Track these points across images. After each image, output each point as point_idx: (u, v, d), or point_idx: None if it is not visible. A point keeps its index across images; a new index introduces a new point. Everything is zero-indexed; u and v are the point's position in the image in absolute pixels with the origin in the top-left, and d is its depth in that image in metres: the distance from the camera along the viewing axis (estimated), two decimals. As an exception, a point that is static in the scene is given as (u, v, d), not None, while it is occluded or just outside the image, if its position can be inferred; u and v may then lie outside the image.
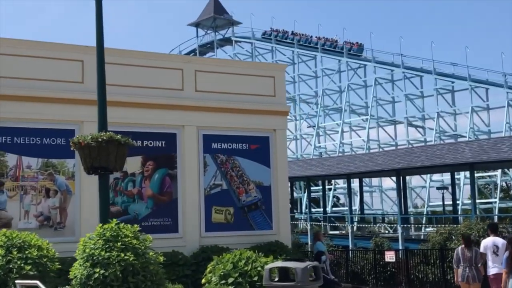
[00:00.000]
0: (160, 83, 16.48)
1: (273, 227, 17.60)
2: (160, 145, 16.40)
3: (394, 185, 61.58)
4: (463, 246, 13.20)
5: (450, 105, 57.70)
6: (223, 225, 17.00)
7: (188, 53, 79.92)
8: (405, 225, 29.96)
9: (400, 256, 21.48)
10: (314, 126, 67.05)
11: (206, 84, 17.10)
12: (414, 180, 62.05)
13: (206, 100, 16.94)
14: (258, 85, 17.81)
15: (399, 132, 64.45)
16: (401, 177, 30.43)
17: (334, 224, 41.07)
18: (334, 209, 61.66)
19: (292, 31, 69.35)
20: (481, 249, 12.97)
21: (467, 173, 52.98)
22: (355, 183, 62.78)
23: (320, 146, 68.43)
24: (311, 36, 67.28)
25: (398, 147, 54.03)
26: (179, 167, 16.55)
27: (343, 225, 38.05)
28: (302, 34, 67.75)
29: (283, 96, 18.23)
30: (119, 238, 9.19)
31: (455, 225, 21.61)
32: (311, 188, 65.43)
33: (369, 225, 35.56)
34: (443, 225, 23.57)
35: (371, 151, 54.61)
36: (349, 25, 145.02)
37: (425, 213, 53.69)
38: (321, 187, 66.13)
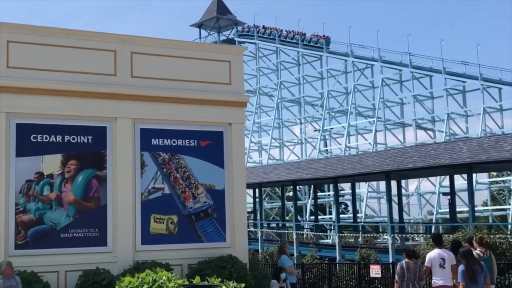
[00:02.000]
0: (87, 67, 13.80)
1: (227, 239, 14.80)
2: (85, 140, 13.68)
3: (403, 190, 58.72)
4: (407, 260, 12.50)
5: (461, 106, 54.76)
6: (164, 236, 14.22)
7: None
8: (402, 235, 26.95)
9: (390, 270, 18.77)
10: (319, 129, 64.29)
11: (145, 69, 14.39)
12: (423, 186, 59.11)
13: (145, 88, 14.22)
14: (210, 71, 15.05)
15: (408, 135, 61.56)
16: (392, 180, 27.40)
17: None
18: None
19: (263, 26, 69.60)
20: (426, 262, 12.49)
21: (480, 177, 50.28)
22: (361, 188, 60.24)
23: (327, 150, 65.66)
24: (281, 30, 67.28)
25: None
26: (109, 167, 13.81)
27: (325, 234, 35.28)
28: (273, 28, 68.05)
29: (240, 84, 15.44)
30: None
31: (449, 236, 18.73)
32: (317, 193, 62.82)
33: (357, 234, 32.55)
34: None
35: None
36: (355, 24, 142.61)
37: (434, 221, 50.59)
38: (327, 193, 63.64)
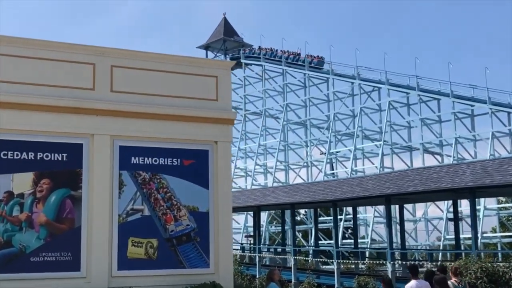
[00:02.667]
0: (63, 80, 13.08)
1: (210, 265, 13.89)
2: (59, 158, 12.89)
3: (410, 216, 57.50)
4: None
5: (469, 130, 53.65)
6: (143, 261, 13.34)
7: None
8: (403, 262, 25.84)
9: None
10: (325, 153, 63.35)
11: (126, 83, 13.65)
12: (431, 211, 57.89)
13: (125, 103, 13.46)
14: (195, 86, 14.30)
15: (415, 160, 60.48)
16: (394, 205, 26.40)
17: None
18: (343, 241, 57.51)
19: (259, 46, 70.19)
20: None
21: (488, 202, 49.03)
22: (367, 212, 59.06)
23: (333, 173, 64.65)
24: (277, 50, 67.66)
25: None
26: (84, 187, 13.01)
27: (328, 260, 34.26)
28: (268, 49, 68.66)
29: (228, 100, 14.64)
30: None
31: (450, 263, 17.70)
32: (322, 218, 61.73)
33: (357, 261, 31.42)
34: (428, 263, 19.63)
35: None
36: (361, 46, 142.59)
37: (441, 247, 49.31)
38: (331, 217, 62.52)
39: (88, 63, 13.35)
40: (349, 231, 74.87)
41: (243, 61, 71.25)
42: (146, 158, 13.64)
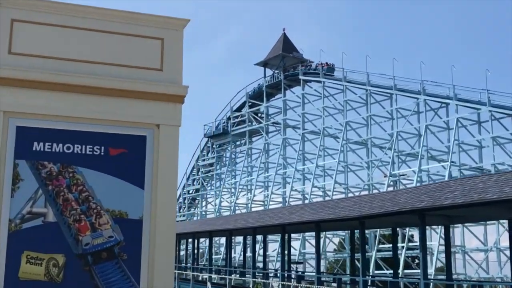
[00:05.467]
0: None
1: (141, 292, 10.04)
2: None
3: (480, 245, 51.70)
4: None
5: (548, 149, 47.95)
6: (42, 285, 9.65)
7: (254, 95, 74.22)
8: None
9: None
10: (388, 176, 58.55)
11: (32, 44, 10.16)
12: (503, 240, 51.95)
13: (28, 70, 9.95)
14: (131, 51, 10.67)
15: (487, 182, 54.78)
16: (437, 225, 21.71)
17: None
18: (406, 271, 52.27)
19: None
20: None
21: None
22: (432, 240, 53.56)
23: (397, 198, 59.47)
24: (313, 62, 68.78)
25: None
26: (-38, 180, 9.51)
27: None
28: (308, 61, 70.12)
29: (177, 70, 10.86)
30: None
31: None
32: (381, 246, 56.63)
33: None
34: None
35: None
36: (427, 60, 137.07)
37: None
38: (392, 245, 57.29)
39: (-21, 16, 9.95)
40: (416, 261, 69.29)
41: (301, 77, 67.67)
42: (54, 145, 10.01)
